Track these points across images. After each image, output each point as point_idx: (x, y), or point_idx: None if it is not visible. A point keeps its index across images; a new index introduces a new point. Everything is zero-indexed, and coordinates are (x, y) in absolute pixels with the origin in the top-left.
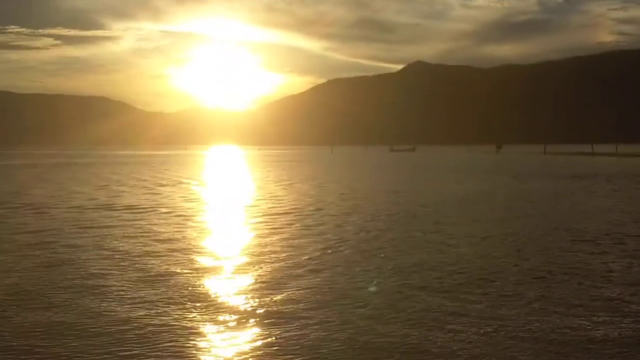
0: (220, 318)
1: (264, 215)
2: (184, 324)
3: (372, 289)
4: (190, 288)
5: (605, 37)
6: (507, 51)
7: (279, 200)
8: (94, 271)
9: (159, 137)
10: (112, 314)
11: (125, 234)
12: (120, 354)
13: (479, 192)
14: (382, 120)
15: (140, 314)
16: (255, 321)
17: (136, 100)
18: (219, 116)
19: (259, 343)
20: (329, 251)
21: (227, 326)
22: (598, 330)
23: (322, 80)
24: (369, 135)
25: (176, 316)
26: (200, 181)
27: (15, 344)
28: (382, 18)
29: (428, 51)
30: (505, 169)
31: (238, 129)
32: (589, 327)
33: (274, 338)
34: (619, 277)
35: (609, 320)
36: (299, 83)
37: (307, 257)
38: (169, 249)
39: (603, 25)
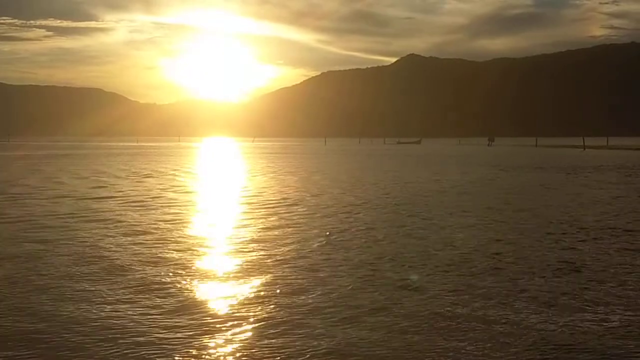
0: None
1: (246, 204)
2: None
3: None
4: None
5: (597, 31)
6: (500, 45)
7: (276, 190)
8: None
9: (153, 128)
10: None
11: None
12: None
13: (469, 183)
14: (375, 113)
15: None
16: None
17: (129, 91)
18: (212, 108)
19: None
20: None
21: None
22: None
23: (316, 73)
24: (362, 128)
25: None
26: (190, 172)
27: None
28: (376, 11)
29: (421, 44)
30: (496, 162)
31: (232, 121)
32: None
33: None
34: (601, 269)
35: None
36: (292, 75)
37: (294, 248)
38: (142, 238)
39: (594, 19)
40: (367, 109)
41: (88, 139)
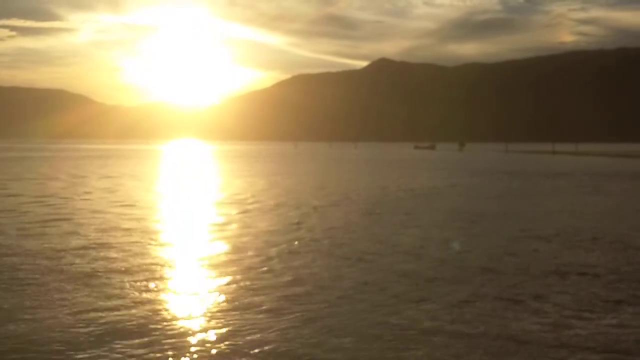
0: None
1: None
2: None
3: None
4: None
5: (566, 37)
6: (470, 49)
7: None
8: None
9: (120, 130)
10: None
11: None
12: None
13: (441, 187)
14: (346, 117)
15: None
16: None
17: (95, 93)
18: (181, 110)
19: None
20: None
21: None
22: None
23: (287, 76)
24: (332, 132)
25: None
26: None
27: None
28: (346, 14)
29: (392, 48)
30: (466, 167)
31: (201, 124)
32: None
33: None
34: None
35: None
36: (263, 78)
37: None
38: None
39: (564, 25)
40: (338, 113)
41: (53, 141)
